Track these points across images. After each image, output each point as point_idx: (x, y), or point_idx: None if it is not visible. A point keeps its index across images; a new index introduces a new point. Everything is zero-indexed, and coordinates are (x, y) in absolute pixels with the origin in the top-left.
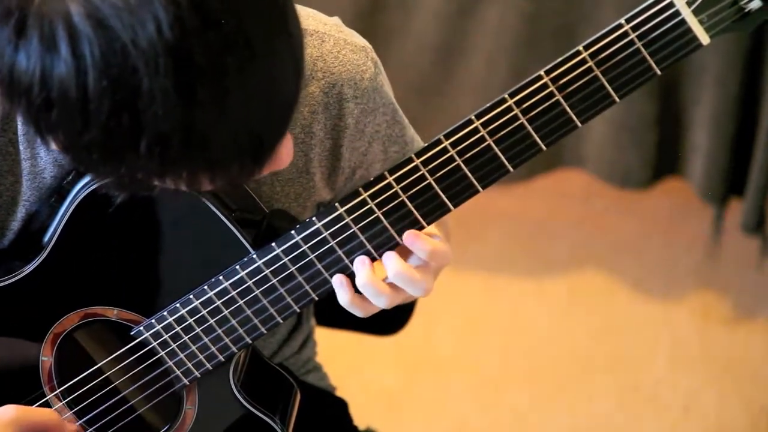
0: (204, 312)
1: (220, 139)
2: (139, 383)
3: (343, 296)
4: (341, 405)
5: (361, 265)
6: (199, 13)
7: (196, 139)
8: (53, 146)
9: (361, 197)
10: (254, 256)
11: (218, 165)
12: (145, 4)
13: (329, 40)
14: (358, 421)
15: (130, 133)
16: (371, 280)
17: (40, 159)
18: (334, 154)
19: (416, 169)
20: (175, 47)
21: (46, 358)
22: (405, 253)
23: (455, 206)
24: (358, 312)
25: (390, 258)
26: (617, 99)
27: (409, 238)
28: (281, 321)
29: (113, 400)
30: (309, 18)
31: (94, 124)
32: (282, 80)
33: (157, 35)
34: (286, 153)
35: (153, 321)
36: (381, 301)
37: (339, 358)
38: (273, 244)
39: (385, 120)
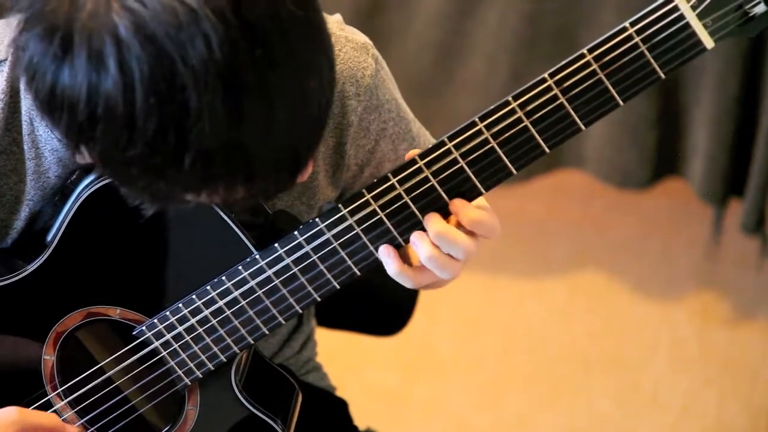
0: (206, 312)
1: (263, 155)
2: (141, 383)
3: (392, 267)
4: (341, 405)
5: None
6: (249, 32)
7: (240, 155)
8: (86, 158)
9: (364, 199)
10: (257, 256)
11: (257, 179)
12: (194, 22)
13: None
14: (358, 421)
15: (174, 150)
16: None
17: (45, 159)
18: (338, 152)
19: (420, 170)
20: (225, 65)
21: (49, 357)
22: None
23: None
24: (409, 282)
25: (431, 218)
26: (621, 102)
27: (455, 205)
28: (283, 321)
29: (115, 399)
30: None
31: (140, 140)
32: (318, 94)
33: (207, 53)
34: (306, 169)
35: (155, 321)
36: (430, 261)
37: (339, 358)
38: (276, 245)
39: (390, 117)
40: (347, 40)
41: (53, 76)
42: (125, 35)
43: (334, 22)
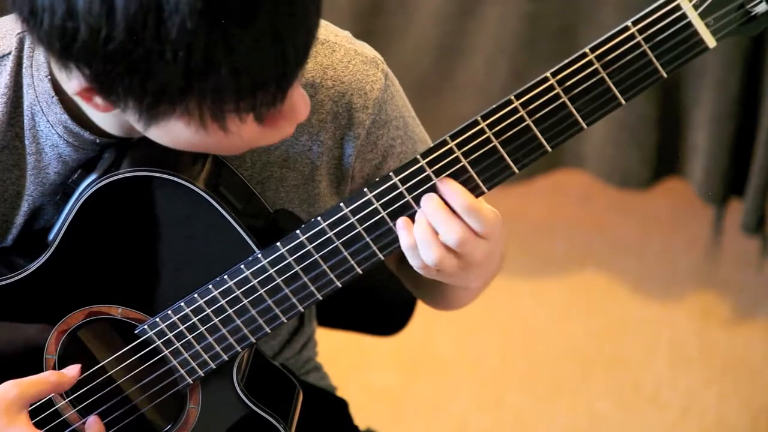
0: (208, 311)
1: (245, 49)
2: (143, 382)
3: (405, 240)
4: (341, 405)
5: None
6: None
7: (221, 44)
8: (73, 76)
9: (366, 197)
10: (259, 255)
11: (243, 84)
12: None
13: (340, 50)
14: (358, 421)
15: (155, 37)
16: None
17: (45, 155)
18: (342, 163)
19: (422, 169)
20: None
21: (50, 356)
22: None
23: None
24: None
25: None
26: (623, 101)
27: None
28: (285, 320)
29: (117, 398)
30: (321, 27)
31: (120, 28)
32: (307, 2)
33: None
34: (303, 104)
35: (157, 320)
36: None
37: (339, 358)
38: (278, 243)
39: (398, 135)
40: (356, 53)
41: None
42: None
43: (345, 36)
